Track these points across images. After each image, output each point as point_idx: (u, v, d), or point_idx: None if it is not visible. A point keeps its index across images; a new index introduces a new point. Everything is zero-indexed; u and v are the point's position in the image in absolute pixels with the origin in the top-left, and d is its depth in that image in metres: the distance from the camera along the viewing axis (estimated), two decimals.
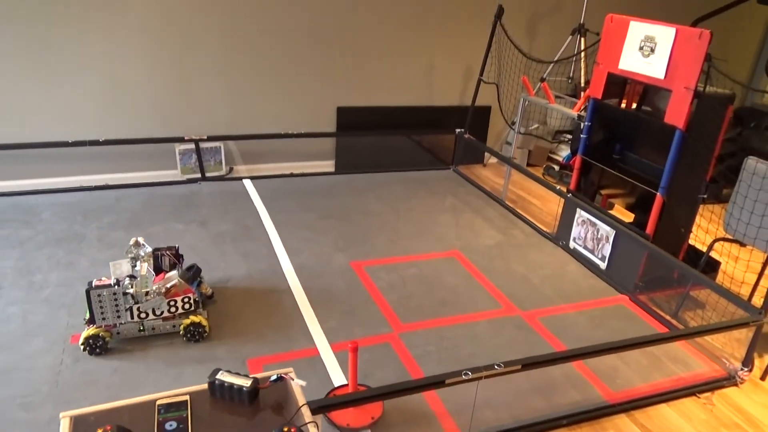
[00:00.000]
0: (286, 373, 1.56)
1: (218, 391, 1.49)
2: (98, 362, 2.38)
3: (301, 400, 1.51)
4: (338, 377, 2.38)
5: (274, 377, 1.53)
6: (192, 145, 4.24)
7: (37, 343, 2.45)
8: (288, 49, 4.30)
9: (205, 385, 1.52)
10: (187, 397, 1.48)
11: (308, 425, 1.42)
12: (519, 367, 2.01)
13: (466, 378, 1.94)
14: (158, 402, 1.45)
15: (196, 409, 1.46)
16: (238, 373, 1.52)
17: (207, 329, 2.55)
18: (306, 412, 1.47)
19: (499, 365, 1.99)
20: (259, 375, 1.55)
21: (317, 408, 1.76)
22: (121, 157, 4.14)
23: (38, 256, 3.10)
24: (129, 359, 2.41)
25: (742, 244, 2.82)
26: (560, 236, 3.73)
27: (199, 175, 4.32)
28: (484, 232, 3.82)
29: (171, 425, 1.39)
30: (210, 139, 4.25)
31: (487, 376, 1.95)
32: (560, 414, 2.26)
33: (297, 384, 1.55)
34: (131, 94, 4.03)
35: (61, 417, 1.40)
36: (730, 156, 4.44)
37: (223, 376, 1.50)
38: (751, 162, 2.67)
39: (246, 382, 1.48)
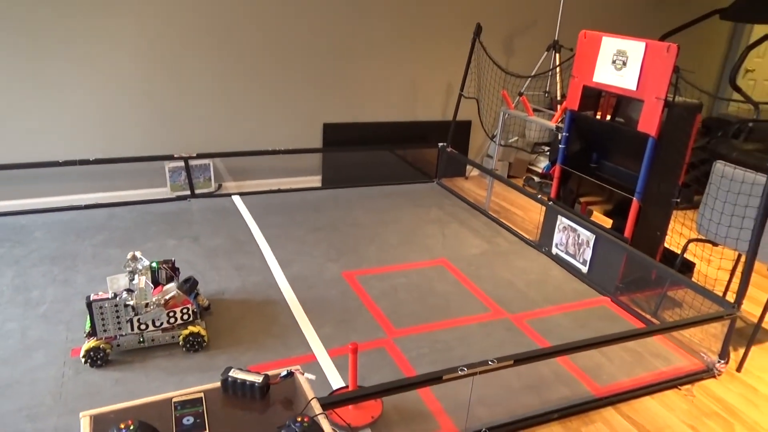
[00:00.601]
0: (295, 369, 1.64)
1: (231, 387, 1.57)
2: (100, 374, 2.42)
3: (310, 394, 1.59)
4: (336, 381, 2.45)
5: (284, 373, 1.61)
6: (181, 163, 4.30)
7: (38, 357, 2.48)
8: (274, 69, 4.42)
9: (218, 384, 1.59)
10: (202, 394, 1.55)
11: (319, 416, 1.50)
12: (511, 362, 2.11)
13: (462, 374, 2.03)
14: (174, 399, 1.52)
15: (210, 405, 1.53)
16: (248, 371, 1.60)
17: (206, 339, 2.61)
18: (315, 405, 1.56)
19: (492, 361, 2.09)
20: (269, 372, 1.63)
21: (323, 405, 1.84)
22: (111, 175, 4.19)
23: (34, 273, 3.13)
24: (130, 370, 2.46)
25: (714, 244, 2.98)
26: (543, 243, 3.87)
27: (188, 192, 4.38)
28: (469, 241, 3.94)
29: (188, 420, 1.46)
30: (199, 156, 4.32)
31: (482, 372, 2.05)
32: (551, 408, 2.37)
33: (306, 378, 1.63)
34: (121, 114, 4.09)
35: (81, 416, 1.46)
36: (701, 163, 4.66)
37: (236, 374, 1.57)
38: (719, 166, 2.85)
39: (257, 378, 1.56)
